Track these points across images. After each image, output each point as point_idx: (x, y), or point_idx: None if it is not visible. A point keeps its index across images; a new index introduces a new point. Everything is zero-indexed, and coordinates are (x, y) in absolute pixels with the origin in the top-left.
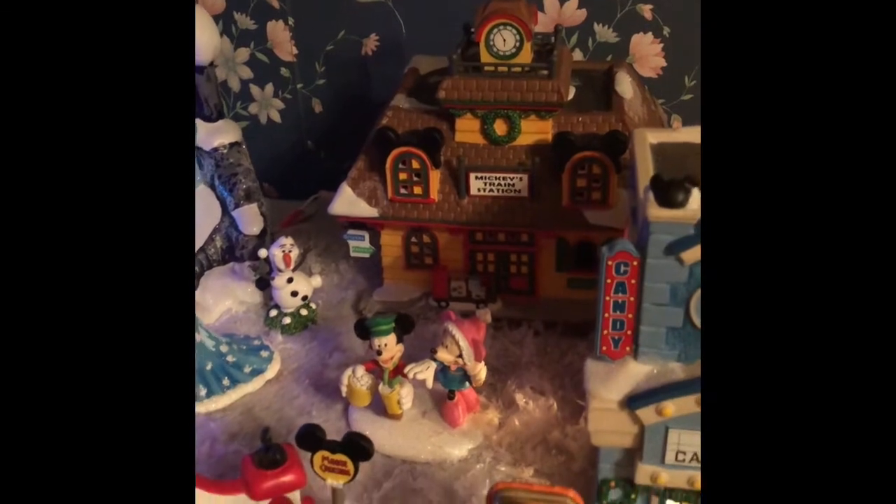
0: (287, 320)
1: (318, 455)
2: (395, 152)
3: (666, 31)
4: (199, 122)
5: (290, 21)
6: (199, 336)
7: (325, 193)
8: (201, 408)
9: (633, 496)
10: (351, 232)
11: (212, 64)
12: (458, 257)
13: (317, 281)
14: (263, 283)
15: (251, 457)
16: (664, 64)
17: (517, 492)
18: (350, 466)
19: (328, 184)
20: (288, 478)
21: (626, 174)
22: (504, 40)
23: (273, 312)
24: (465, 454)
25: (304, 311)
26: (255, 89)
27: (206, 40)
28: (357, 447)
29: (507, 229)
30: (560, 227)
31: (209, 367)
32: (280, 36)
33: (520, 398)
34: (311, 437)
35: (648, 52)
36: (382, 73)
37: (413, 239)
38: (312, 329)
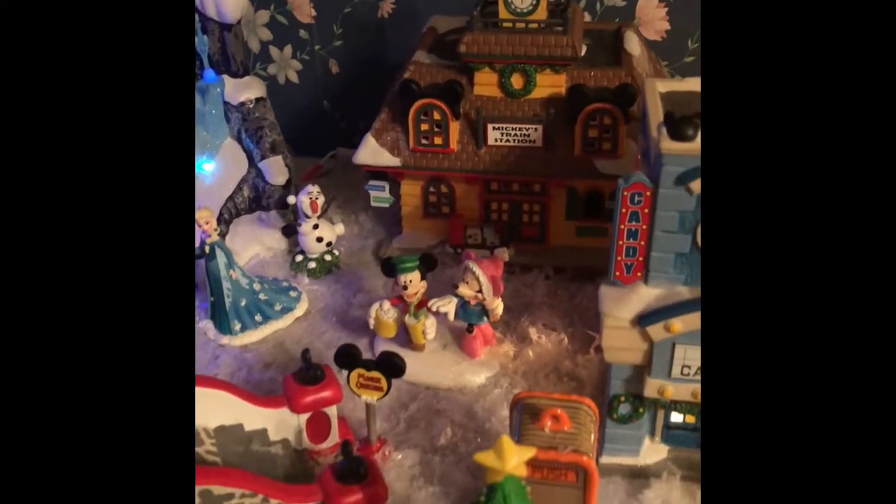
0: (312, 265)
1: (355, 373)
2: (417, 104)
3: None
4: (226, 78)
5: None
6: (235, 274)
7: (343, 150)
8: (236, 341)
9: (640, 410)
10: (372, 182)
11: (238, 22)
12: (474, 206)
13: (340, 228)
14: (289, 231)
15: (293, 375)
16: (668, 28)
17: (538, 399)
18: (384, 383)
19: (342, 142)
20: (326, 393)
21: (635, 125)
22: None
23: (299, 258)
24: (483, 381)
25: (327, 257)
26: (274, 50)
27: (235, 0)
28: (391, 364)
29: (521, 179)
30: (572, 175)
31: (243, 303)
32: None
33: (533, 332)
34: (348, 356)
35: (654, 17)
36: (397, 35)
37: (431, 189)
38: (336, 273)
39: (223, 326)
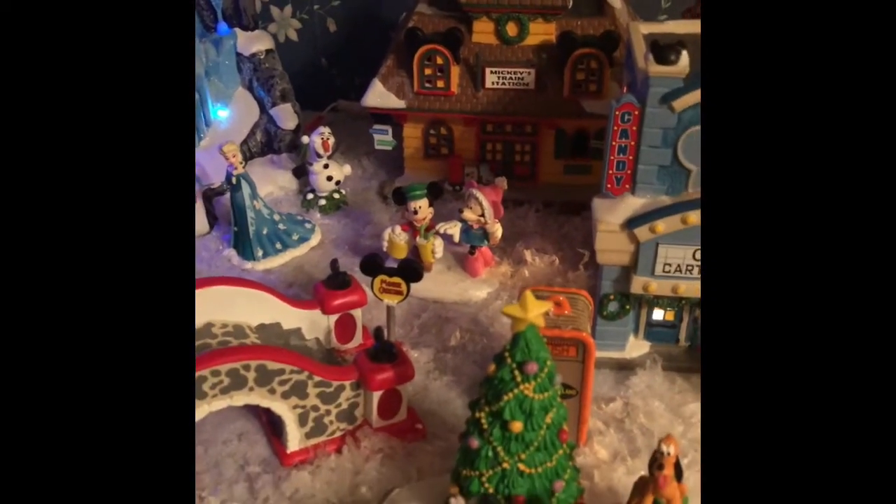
0: (322, 202)
1: (378, 279)
2: (421, 49)
3: None
4: (238, 31)
5: None
6: (258, 204)
7: (344, 102)
8: (259, 266)
9: (627, 307)
10: (376, 126)
11: None
12: (471, 147)
13: (347, 169)
14: (300, 171)
15: (322, 282)
16: None
17: (542, 292)
18: (404, 287)
19: (339, 97)
20: (353, 297)
21: (618, 70)
22: None
23: (310, 196)
24: (484, 296)
25: (336, 195)
26: (274, 10)
27: None
28: (411, 269)
29: (515, 120)
30: (562, 115)
31: (265, 231)
32: None
33: (528, 255)
34: (373, 264)
35: None
36: None
37: (431, 131)
38: (344, 210)
39: (246, 253)
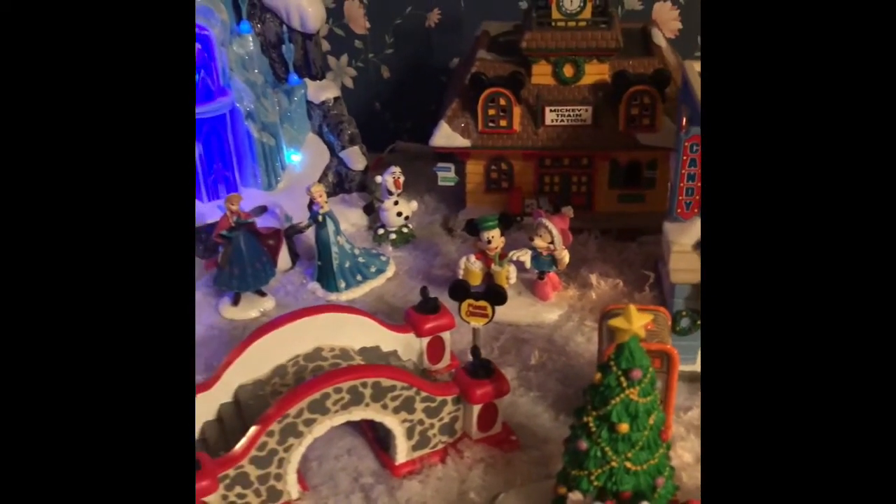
0: (393, 236)
1: (465, 303)
2: (486, 92)
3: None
4: (308, 81)
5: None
6: (341, 240)
7: (401, 143)
8: (342, 297)
9: (697, 323)
10: (440, 164)
11: (318, 32)
12: (530, 180)
13: (414, 205)
14: (370, 209)
15: (413, 308)
16: (680, 27)
17: (622, 310)
18: (489, 310)
19: (392, 139)
20: (443, 321)
21: (670, 104)
22: (571, 1)
23: (380, 231)
24: (556, 318)
25: (405, 229)
26: (332, 60)
27: (316, 12)
28: (496, 293)
29: (572, 154)
30: (618, 147)
31: (347, 265)
32: (355, 13)
33: (593, 279)
34: (460, 289)
35: (668, 18)
36: (443, 42)
37: (493, 167)
38: (413, 243)
39: (330, 285)
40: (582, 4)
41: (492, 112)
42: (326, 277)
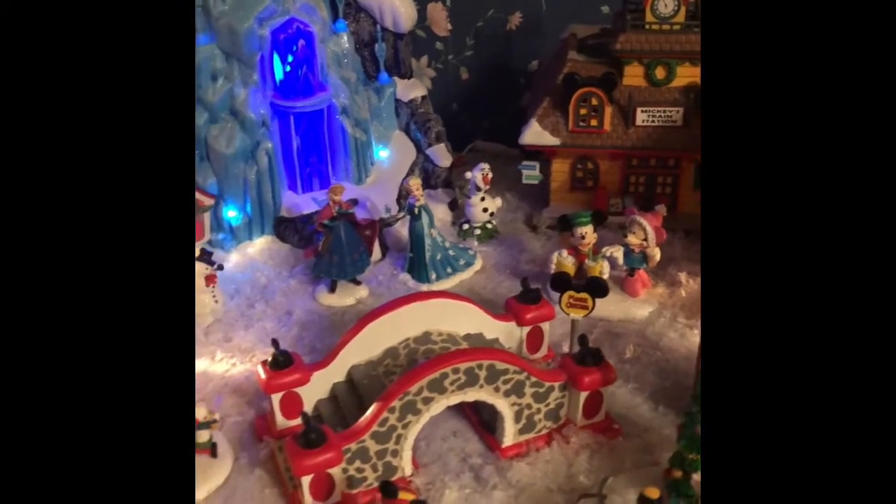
0: (478, 231)
1: (566, 294)
2: (579, 92)
3: None
4: (397, 80)
5: (448, 2)
6: (434, 233)
7: (481, 143)
8: (433, 288)
9: None
10: (525, 162)
11: (409, 32)
12: (615, 180)
13: (499, 201)
14: (454, 205)
15: (514, 298)
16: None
17: None
18: (590, 302)
19: (467, 139)
20: (543, 311)
21: None
22: (665, 5)
23: (465, 226)
24: (647, 314)
25: (489, 225)
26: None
27: (408, 12)
28: (598, 286)
29: (661, 154)
30: None
31: (439, 257)
32: (438, 15)
33: (682, 277)
34: (562, 280)
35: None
36: (523, 45)
37: (579, 166)
38: (497, 239)
39: (421, 277)
40: (676, 8)
41: (583, 111)
42: (418, 269)
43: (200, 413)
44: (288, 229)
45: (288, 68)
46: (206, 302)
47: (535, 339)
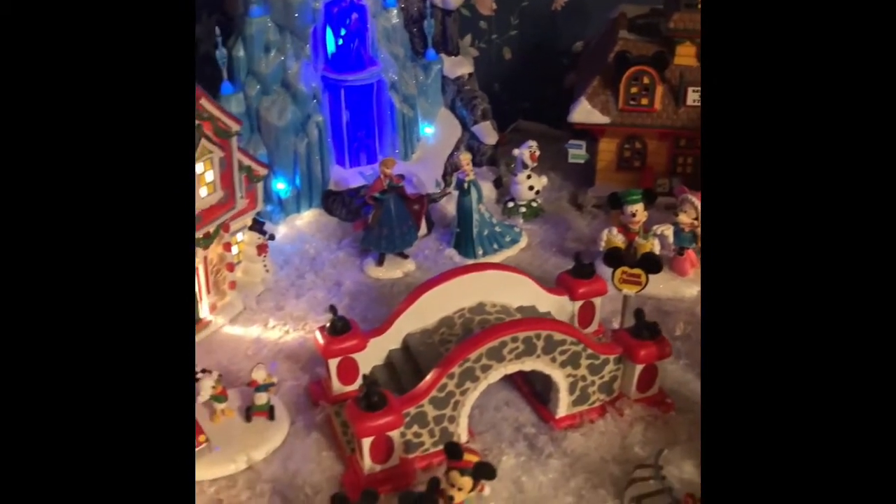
0: (523, 209)
1: (619, 270)
2: (630, 70)
3: None
4: (444, 56)
5: None
6: (482, 208)
7: (524, 122)
8: (481, 262)
9: None
10: (571, 141)
11: (457, 9)
12: (662, 161)
13: (544, 180)
14: (499, 183)
15: (567, 272)
16: None
17: None
18: (643, 278)
19: (508, 119)
20: (596, 286)
21: None
22: None
23: (510, 204)
24: (696, 294)
25: (534, 203)
26: None
27: None
28: (652, 261)
29: None
30: None
31: (486, 233)
32: None
33: None
34: (615, 256)
35: None
36: (567, 26)
37: (626, 145)
38: (542, 217)
39: (468, 252)
40: None
41: (634, 90)
42: (465, 244)
43: (260, 375)
44: (336, 203)
45: (340, 41)
46: (257, 271)
47: (586, 313)
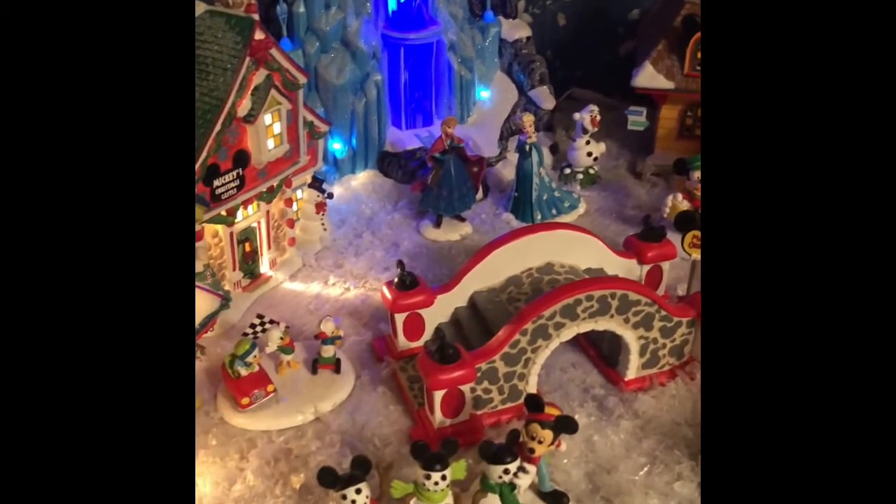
0: (580, 176)
1: (690, 234)
2: (699, 34)
3: None
4: (501, 19)
5: None
6: (543, 172)
7: (578, 90)
8: None
9: None
10: (632, 108)
11: None
12: None
13: (603, 146)
14: (555, 149)
15: (636, 235)
16: None
17: None
18: None
19: (563, 87)
20: (665, 249)
21: None
22: None
23: (567, 171)
24: None
25: (591, 170)
26: None
27: None
28: None
29: None
30: None
31: (545, 197)
32: None
33: None
34: (687, 219)
35: None
36: None
37: (689, 113)
38: (599, 185)
39: (525, 216)
40: None
41: (700, 55)
42: (523, 208)
43: (328, 328)
44: (392, 164)
45: (401, 0)
46: (315, 229)
47: (654, 277)
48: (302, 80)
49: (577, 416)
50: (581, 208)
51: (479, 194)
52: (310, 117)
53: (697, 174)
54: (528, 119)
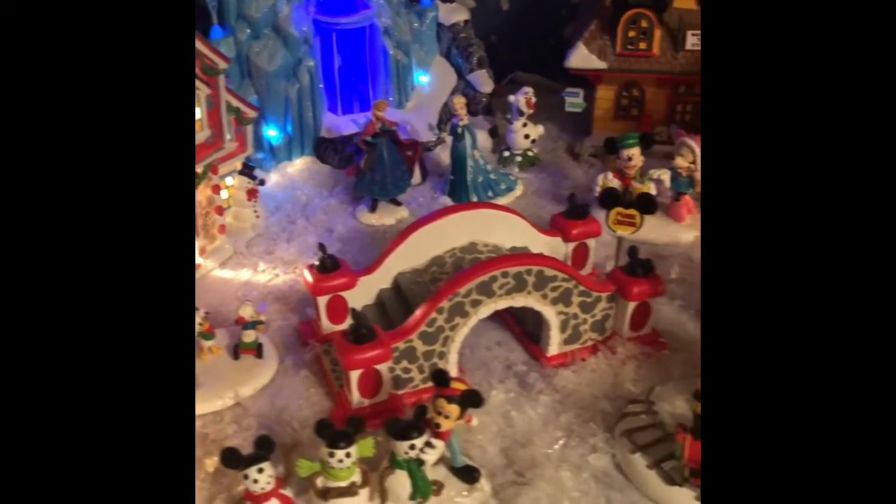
0: (519, 158)
1: (614, 211)
2: (628, 13)
3: None
4: (439, 3)
5: None
6: (477, 154)
7: (521, 74)
8: None
9: None
10: (568, 90)
11: None
12: (661, 108)
13: (541, 129)
14: (494, 132)
15: (560, 214)
16: None
17: None
18: (638, 219)
19: (507, 71)
20: (590, 227)
21: None
22: None
23: (506, 153)
24: (692, 239)
25: (530, 153)
26: None
27: None
28: (647, 201)
29: None
30: None
31: (480, 179)
32: None
33: None
34: (611, 196)
35: None
36: None
37: (624, 93)
38: (538, 167)
39: (461, 198)
40: None
41: (632, 34)
42: (458, 191)
43: (247, 312)
44: (328, 150)
45: None
46: (247, 216)
47: (580, 255)
48: (223, 65)
49: (495, 392)
50: (518, 190)
51: (418, 178)
52: (235, 103)
53: (627, 152)
54: (458, 102)
